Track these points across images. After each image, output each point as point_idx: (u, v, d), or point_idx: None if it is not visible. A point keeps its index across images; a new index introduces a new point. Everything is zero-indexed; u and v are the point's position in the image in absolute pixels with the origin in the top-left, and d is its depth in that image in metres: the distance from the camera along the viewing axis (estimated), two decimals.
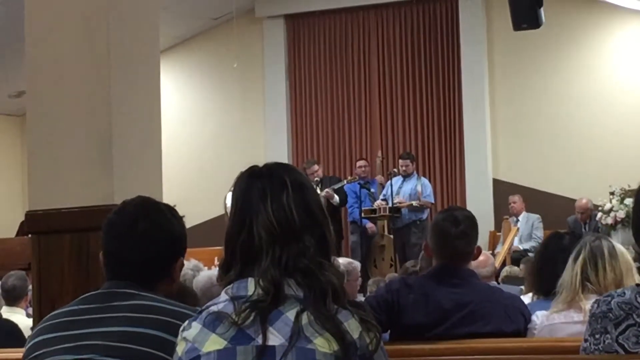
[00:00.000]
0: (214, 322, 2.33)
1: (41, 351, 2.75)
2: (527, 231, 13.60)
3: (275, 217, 2.38)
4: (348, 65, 16.29)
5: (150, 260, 2.86)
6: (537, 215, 13.71)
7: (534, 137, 15.10)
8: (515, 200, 13.99)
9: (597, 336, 2.79)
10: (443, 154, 15.69)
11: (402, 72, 15.95)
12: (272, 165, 2.51)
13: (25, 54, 4.54)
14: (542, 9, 10.95)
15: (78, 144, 4.36)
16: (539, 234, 13.20)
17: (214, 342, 2.30)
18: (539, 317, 4.26)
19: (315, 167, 13.96)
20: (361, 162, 14.56)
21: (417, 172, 14.32)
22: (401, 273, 7.50)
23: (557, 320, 4.13)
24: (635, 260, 4.22)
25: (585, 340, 2.85)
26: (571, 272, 4.13)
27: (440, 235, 4.36)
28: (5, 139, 17.63)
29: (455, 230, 4.30)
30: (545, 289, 4.59)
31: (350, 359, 2.29)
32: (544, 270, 4.75)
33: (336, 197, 13.50)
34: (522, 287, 7.00)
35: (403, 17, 15.99)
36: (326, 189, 13.41)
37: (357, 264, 6.88)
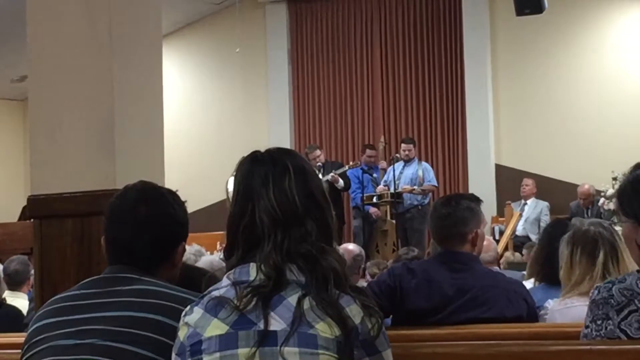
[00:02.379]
0: (215, 307, 2.33)
1: (42, 336, 2.75)
2: (533, 216, 13.62)
3: (277, 202, 2.39)
4: (351, 50, 16.27)
5: (152, 245, 2.85)
6: (547, 203, 13.73)
7: (536, 122, 15.08)
8: (528, 184, 14.04)
9: (598, 322, 2.79)
10: (445, 139, 15.67)
11: (405, 57, 15.92)
12: (274, 150, 2.52)
13: (28, 39, 4.53)
14: None
15: (80, 129, 4.36)
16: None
17: (216, 327, 2.31)
18: (550, 304, 4.26)
19: (318, 152, 13.97)
20: (371, 152, 14.55)
21: (419, 157, 14.33)
22: (394, 260, 7.48)
23: (569, 305, 4.14)
24: None
25: (587, 327, 2.85)
26: (589, 266, 4.13)
27: (431, 216, 4.46)
28: (7, 124, 17.65)
29: (443, 210, 4.32)
30: (549, 276, 4.59)
31: (352, 344, 2.29)
32: (547, 258, 4.75)
33: (341, 181, 13.53)
34: (524, 272, 7.00)
35: (405, 1, 15.96)
36: (331, 173, 13.43)
37: (363, 256, 6.89)
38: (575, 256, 4.18)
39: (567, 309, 4.13)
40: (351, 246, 6.94)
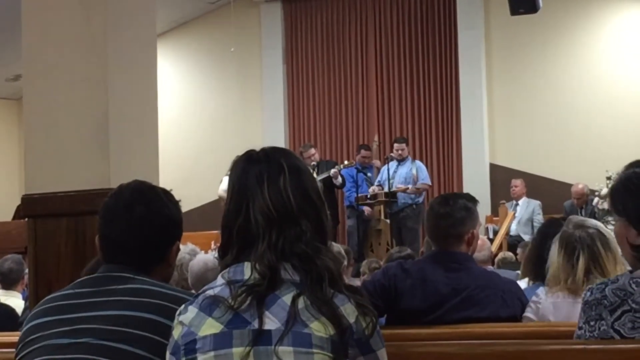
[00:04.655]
0: (210, 306, 2.33)
1: (37, 335, 2.74)
2: (526, 216, 13.60)
3: (272, 201, 2.38)
4: (345, 49, 16.28)
5: (146, 244, 2.85)
6: (538, 202, 13.72)
7: (531, 122, 15.10)
8: (517, 184, 14.01)
9: (592, 323, 2.79)
10: (440, 138, 15.69)
11: (400, 57, 15.94)
12: (269, 149, 2.51)
13: (22, 38, 4.53)
14: None
15: (74, 128, 4.36)
16: (542, 220, 13.13)
17: (210, 326, 2.30)
18: (542, 292, 4.28)
19: (312, 150, 13.98)
20: (365, 152, 14.49)
21: (414, 157, 14.33)
22: (386, 260, 7.47)
23: (560, 299, 4.16)
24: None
25: (580, 328, 2.85)
26: (570, 268, 4.18)
27: (428, 215, 4.45)
28: (1, 123, 17.62)
29: (441, 210, 4.32)
30: (543, 276, 4.59)
31: (347, 343, 2.29)
32: (541, 257, 4.76)
33: (339, 178, 13.53)
34: (519, 272, 7.00)
35: (400, 1, 15.97)
36: (332, 169, 13.44)
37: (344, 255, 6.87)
38: (560, 257, 4.23)
39: (557, 302, 4.16)
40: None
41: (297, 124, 16.53)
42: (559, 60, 15.05)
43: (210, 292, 2.36)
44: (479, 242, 5.00)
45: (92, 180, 4.27)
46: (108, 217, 2.91)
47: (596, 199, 12.98)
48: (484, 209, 13.57)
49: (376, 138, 15.28)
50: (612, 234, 3.90)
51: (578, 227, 4.29)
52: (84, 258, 4.18)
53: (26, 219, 4.54)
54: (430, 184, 14.03)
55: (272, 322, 2.27)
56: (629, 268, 2.95)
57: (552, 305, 4.19)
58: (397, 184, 13.47)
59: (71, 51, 4.39)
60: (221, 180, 12.63)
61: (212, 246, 11.43)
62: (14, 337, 3.14)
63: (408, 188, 13.36)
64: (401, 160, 13.73)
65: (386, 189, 13.39)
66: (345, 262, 7.09)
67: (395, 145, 13.90)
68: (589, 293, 2.84)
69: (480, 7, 15.36)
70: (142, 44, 4.64)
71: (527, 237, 12.51)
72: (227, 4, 16.11)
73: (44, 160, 4.42)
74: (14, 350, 2.84)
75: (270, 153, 2.49)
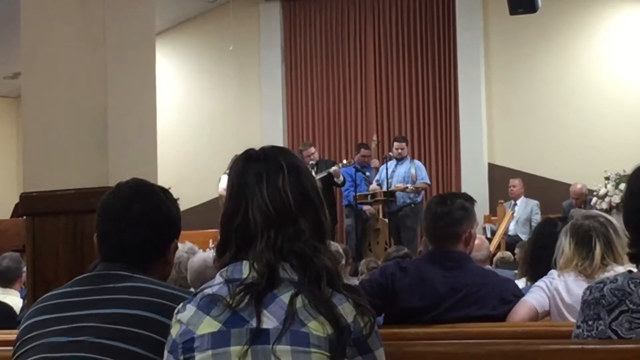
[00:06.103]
0: (208, 305, 2.33)
1: (35, 333, 2.74)
2: (524, 216, 13.60)
3: (270, 200, 2.39)
4: (344, 48, 16.28)
5: (144, 242, 2.85)
6: (537, 202, 13.72)
7: (529, 121, 15.09)
8: (516, 184, 14.00)
9: (589, 322, 2.79)
10: (439, 138, 15.69)
11: (398, 56, 15.93)
12: (268, 148, 2.52)
13: (21, 35, 4.52)
14: None
15: (73, 126, 4.35)
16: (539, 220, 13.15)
17: (208, 325, 2.30)
18: (555, 273, 4.33)
19: (312, 149, 13.98)
20: (365, 151, 14.50)
21: (412, 156, 14.33)
22: (384, 258, 7.48)
23: (572, 277, 4.22)
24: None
25: (578, 327, 2.85)
26: (584, 256, 4.24)
27: (426, 214, 4.47)
28: (0, 121, 17.60)
29: (438, 210, 4.33)
30: (539, 275, 4.61)
31: (344, 342, 2.29)
32: (537, 257, 4.78)
33: (341, 177, 13.53)
34: (516, 271, 7.01)
35: (399, 1, 15.97)
36: (334, 167, 13.43)
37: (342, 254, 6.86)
38: (572, 247, 4.29)
39: (569, 281, 4.21)
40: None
41: (295, 123, 16.52)
42: (558, 60, 15.04)
43: (208, 291, 2.36)
44: (478, 241, 5.02)
45: (90, 178, 4.26)
46: (106, 215, 2.91)
47: (595, 199, 12.99)
48: (482, 209, 13.57)
49: (374, 137, 15.27)
50: (618, 222, 4.01)
51: (587, 217, 4.37)
52: (82, 256, 4.18)
53: (24, 217, 4.54)
54: (429, 183, 14.04)
55: (270, 321, 2.27)
56: None
57: (564, 283, 4.23)
58: (396, 183, 13.47)
59: (70, 49, 4.39)
60: (220, 179, 12.64)
61: (211, 245, 11.42)
62: (11, 335, 3.14)
63: (407, 187, 13.37)
64: (400, 160, 13.74)
65: (385, 188, 13.40)
66: (344, 261, 7.09)
67: (395, 144, 13.91)
68: (587, 292, 2.84)
69: (479, 7, 15.35)
70: (140, 41, 4.64)
71: (525, 237, 12.47)
72: (226, 3, 16.11)
73: (43, 158, 4.41)
74: (11, 348, 2.84)
75: (269, 152, 2.50)
